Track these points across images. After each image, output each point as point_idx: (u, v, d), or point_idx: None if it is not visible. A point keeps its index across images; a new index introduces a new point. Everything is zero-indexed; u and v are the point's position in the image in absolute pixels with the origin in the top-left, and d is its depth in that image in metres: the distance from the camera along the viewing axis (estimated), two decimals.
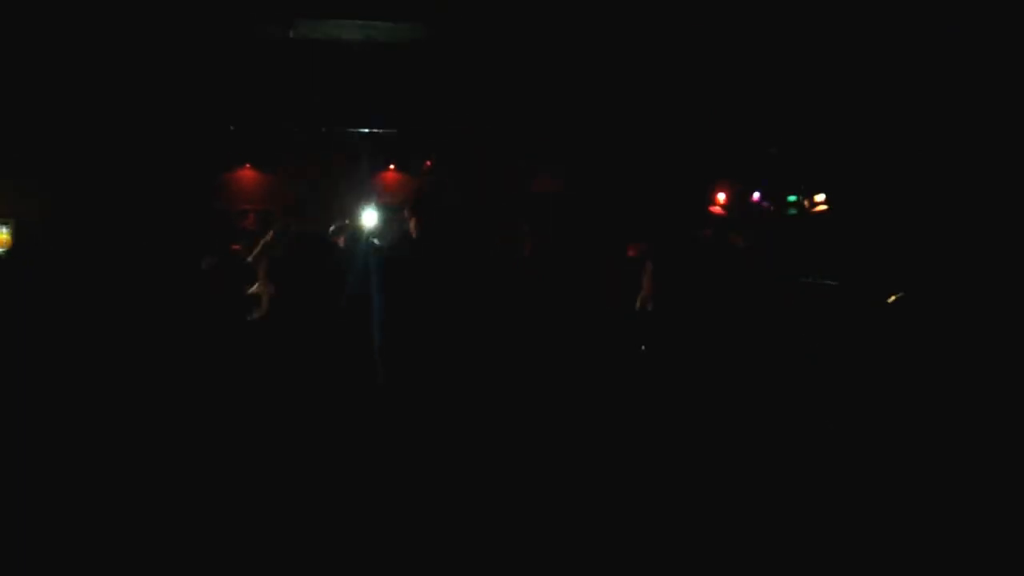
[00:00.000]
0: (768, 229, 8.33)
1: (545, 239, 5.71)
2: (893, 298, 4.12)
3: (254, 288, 4.02)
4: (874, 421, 2.66)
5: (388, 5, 6.47)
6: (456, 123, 9.26)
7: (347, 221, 7.21)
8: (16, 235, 9.35)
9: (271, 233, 5.17)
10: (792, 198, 8.02)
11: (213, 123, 8.95)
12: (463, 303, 2.81)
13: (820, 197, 8.04)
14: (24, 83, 7.39)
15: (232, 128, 9.25)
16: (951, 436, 2.44)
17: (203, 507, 3.15)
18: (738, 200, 7.71)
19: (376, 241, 5.40)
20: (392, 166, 11.22)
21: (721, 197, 7.21)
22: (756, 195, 8.10)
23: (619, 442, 3.56)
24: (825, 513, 2.29)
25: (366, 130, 9.67)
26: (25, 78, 7.33)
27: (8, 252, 8.48)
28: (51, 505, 3.11)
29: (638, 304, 4.28)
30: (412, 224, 2.98)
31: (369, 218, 8.42)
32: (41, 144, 8.55)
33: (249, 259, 4.96)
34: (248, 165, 11.13)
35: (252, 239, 5.76)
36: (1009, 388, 2.48)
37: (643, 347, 4.21)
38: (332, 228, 6.01)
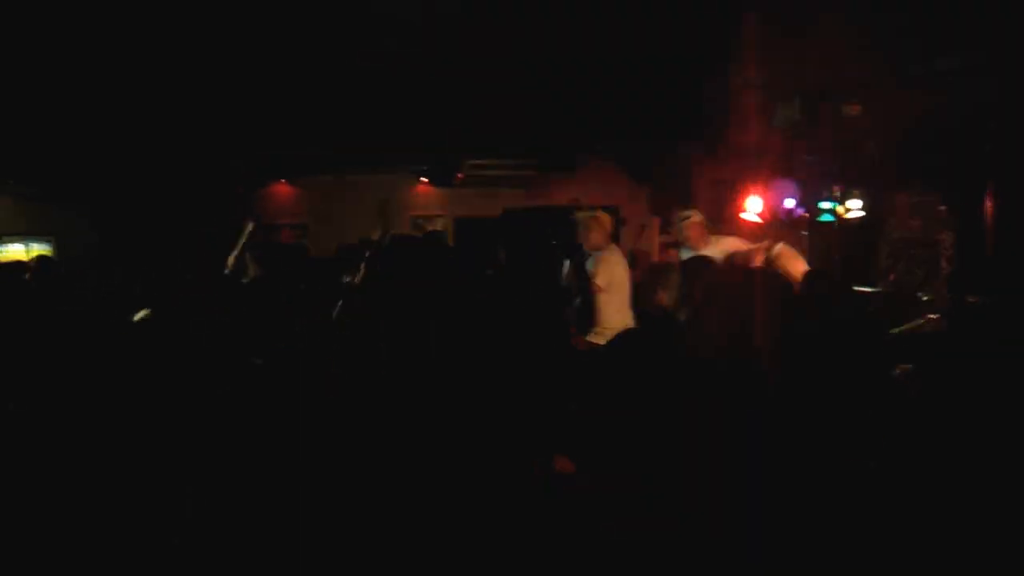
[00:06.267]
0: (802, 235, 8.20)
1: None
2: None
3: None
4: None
5: None
6: (483, 134, 9.30)
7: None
8: (57, 252, 9.57)
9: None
10: (826, 204, 7.84)
11: (249, 140, 9.08)
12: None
13: (856, 203, 7.86)
14: (64, 104, 7.59)
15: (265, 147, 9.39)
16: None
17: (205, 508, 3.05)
18: (771, 206, 7.60)
19: None
20: (424, 179, 11.31)
21: (758, 204, 7.13)
22: (790, 201, 7.96)
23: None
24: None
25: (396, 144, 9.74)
26: (65, 100, 7.53)
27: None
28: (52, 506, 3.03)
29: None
30: None
31: None
32: (82, 162, 8.75)
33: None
34: (283, 181, 11.33)
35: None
36: None
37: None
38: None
